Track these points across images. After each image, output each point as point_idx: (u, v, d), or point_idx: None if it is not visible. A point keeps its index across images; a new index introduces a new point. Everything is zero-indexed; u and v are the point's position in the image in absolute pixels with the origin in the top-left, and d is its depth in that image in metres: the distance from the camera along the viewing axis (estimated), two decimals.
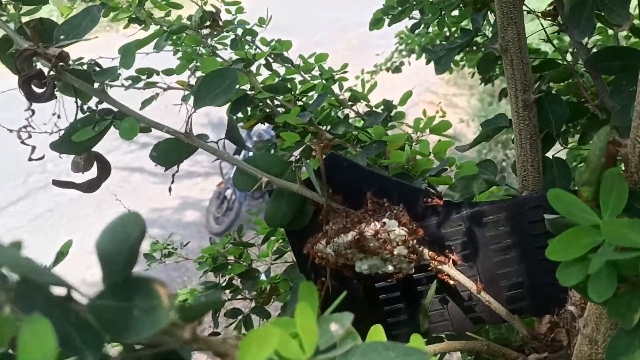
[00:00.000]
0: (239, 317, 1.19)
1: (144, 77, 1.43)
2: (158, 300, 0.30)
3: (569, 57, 1.02)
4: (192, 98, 0.70)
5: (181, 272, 3.96)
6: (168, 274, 3.93)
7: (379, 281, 0.82)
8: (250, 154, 0.88)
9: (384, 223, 0.72)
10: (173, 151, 0.74)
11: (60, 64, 0.70)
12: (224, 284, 1.22)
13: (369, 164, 0.98)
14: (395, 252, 0.72)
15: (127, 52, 0.71)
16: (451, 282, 0.77)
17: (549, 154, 0.80)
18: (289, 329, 0.41)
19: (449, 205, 0.77)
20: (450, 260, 0.76)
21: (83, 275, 3.54)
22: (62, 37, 0.71)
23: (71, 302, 0.26)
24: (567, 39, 1.88)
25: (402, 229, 0.73)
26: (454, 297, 0.81)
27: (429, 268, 0.77)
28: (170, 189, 0.87)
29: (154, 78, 1.44)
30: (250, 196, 4.58)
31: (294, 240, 0.83)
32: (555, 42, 1.69)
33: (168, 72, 1.44)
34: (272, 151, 1.28)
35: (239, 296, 1.23)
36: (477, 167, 0.84)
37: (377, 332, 0.57)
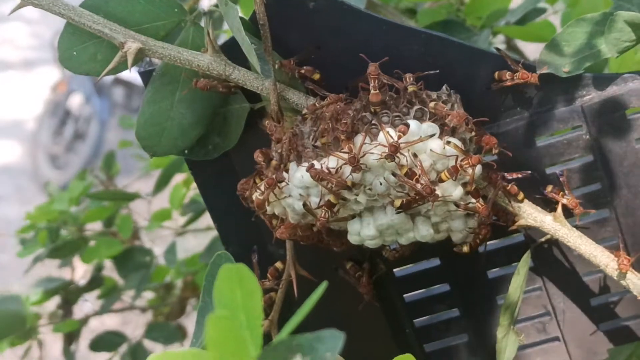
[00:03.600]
0: (121, 349, 1.21)
1: None
2: None
3: None
4: None
5: None
6: None
7: (403, 265, 0.83)
8: None
9: (407, 127, 0.69)
10: None
11: None
12: (84, 283, 1.24)
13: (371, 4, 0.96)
14: (437, 192, 0.69)
15: None
16: (559, 254, 0.77)
17: None
18: None
19: (550, 85, 0.75)
20: (559, 207, 0.74)
21: None
22: None
23: None
24: None
25: (450, 141, 0.70)
26: (569, 288, 0.81)
27: (512, 228, 0.75)
28: None
29: None
30: (124, 106, 4.57)
31: (208, 184, 0.83)
32: None
33: None
34: None
35: (118, 304, 1.26)
36: None
37: None
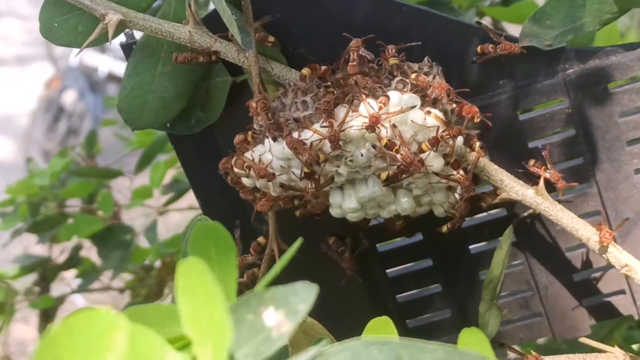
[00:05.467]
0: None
1: None
2: None
3: None
4: None
5: None
6: None
7: (386, 239, 0.83)
8: None
9: (387, 98, 0.68)
10: None
11: None
12: (62, 261, 1.25)
13: None
14: (417, 161, 0.69)
15: None
16: (542, 229, 0.77)
17: None
18: (167, 325, 0.40)
19: (532, 58, 0.75)
20: (541, 181, 0.74)
21: None
22: None
23: None
24: None
25: (431, 112, 0.70)
26: (552, 264, 0.81)
27: (494, 201, 0.75)
28: None
29: None
30: None
31: (191, 159, 0.83)
32: None
33: None
34: None
35: (96, 285, 1.26)
36: None
37: (381, 326, 0.55)
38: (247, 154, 0.73)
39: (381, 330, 0.55)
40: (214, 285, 0.37)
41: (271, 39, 0.73)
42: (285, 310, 0.39)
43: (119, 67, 4.72)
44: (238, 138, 0.75)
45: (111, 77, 4.75)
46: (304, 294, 0.40)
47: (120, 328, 0.33)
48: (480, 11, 0.97)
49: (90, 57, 4.65)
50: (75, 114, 4.58)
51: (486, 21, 1.07)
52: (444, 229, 0.75)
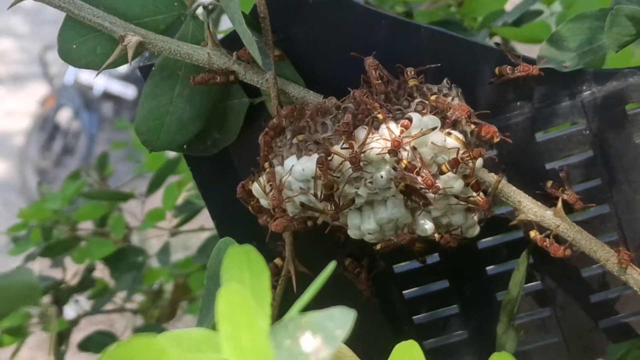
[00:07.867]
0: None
1: None
2: None
3: None
4: None
5: None
6: None
7: (403, 261, 0.83)
8: None
9: (409, 122, 0.68)
10: None
11: None
12: (74, 283, 1.24)
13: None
14: (437, 184, 0.69)
15: None
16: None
17: None
18: (205, 351, 0.40)
19: (550, 80, 0.75)
20: (559, 202, 0.74)
21: None
22: None
23: None
24: None
25: (452, 134, 0.70)
26: (570, 285, 0.81)
27: (512, 223, 0.75)
28: None
29: None
30: (113, 121, 4.55)
31: (206, 180, 0.83)
32: None
33: None
34: None
35: (109, 306, 1.26)
36: None
37: (408, 351, 0.55)
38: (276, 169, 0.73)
39: (408, 355, 0.55)
40: (255, 312, 0.37)
41: (277, 52, 0.74)
42: (323, 335, 0.38)
43: (114, 85, 4.72)
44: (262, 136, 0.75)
45: (106, 96, 4.76)
46: (341, 320, 0.40)
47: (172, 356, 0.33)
48: (492, 32, 0.97)
49: (86, 76, 4.65)
50: (70, 132, 4.58)
51: (496, 41, 1.08)
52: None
